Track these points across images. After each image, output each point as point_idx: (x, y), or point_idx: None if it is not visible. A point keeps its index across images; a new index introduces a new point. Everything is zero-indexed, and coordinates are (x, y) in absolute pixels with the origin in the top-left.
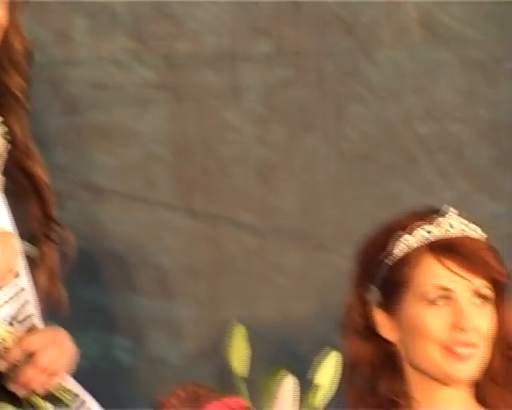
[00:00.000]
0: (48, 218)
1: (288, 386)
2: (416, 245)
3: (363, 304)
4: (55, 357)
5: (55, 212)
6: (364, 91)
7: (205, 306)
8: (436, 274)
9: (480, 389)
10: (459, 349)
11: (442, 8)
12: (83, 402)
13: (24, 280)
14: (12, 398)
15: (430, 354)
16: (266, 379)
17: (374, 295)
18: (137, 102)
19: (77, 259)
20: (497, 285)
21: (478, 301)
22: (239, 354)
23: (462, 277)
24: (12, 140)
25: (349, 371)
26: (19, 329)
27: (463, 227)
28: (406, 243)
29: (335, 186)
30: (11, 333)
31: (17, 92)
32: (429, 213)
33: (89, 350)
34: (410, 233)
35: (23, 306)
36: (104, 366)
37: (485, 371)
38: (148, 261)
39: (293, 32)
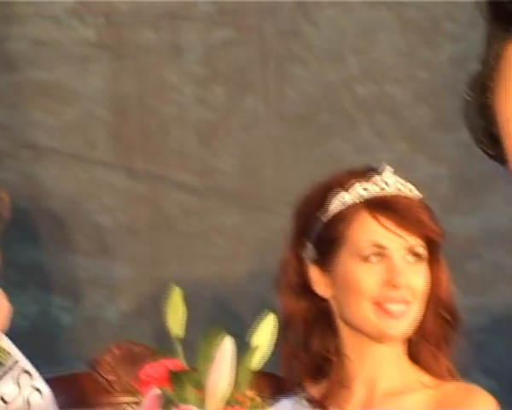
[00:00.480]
0: None
1: (226, 347)
2: (351, 202)
3: (299, 261)
4: None
5: None
6: (304, 52)
7: (143, 265)
8: (371, 231)
9: (413, 347)
10: (392, 307)
11: None
12: (16, 362)
13: None
14: None
15: (363, 311)
16: (204, 340)
17: (309, 251)
18: (77, 60)
19: (16, 218)
20: (431, 244)
21: (412, 259)
22: (175, 316)
23: (396, 234)
24: None
25: (283, 327)
26: None
27: (399, 185)
28: (342, 199)
29: (275, 147)
30: None
31: None
32: (366, 172)
33: (27, 309)
34: (346, 190)
35: None
36: (43, 325)
37: (417, 329)
38: (87, 220)
39: None
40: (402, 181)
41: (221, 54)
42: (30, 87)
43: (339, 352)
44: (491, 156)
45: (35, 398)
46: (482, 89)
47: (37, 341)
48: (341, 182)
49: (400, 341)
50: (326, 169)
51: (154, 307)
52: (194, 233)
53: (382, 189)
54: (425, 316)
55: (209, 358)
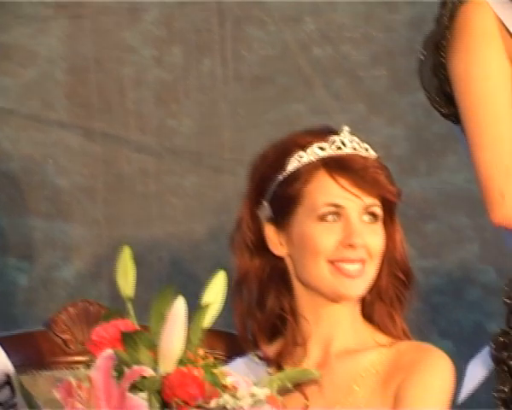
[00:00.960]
0: None
1: (178, 307)
2: (308, 161)
3: (254, 219)
4: None
5: None
6: (261, 14)
7: (100, 226)
8: (327, 191)
9: (368, 307)
10: (348, 266)
11: None
12: None
13: None
14: None
15: (318, 270)
16: (156, 300)
17: (265, 210)
18: (34, 21)
19: None
20: (387, 205)
21: (368, 218)
22: (125, 276)
23: (353, 194)
24: None
25: (238, 286)
26: None
27: (355, 145)
28: (299, 158)
29: (232, 108)
30: None
31: None
32: (323, 132)
33: None
34: (303, 150)
35: None
36: None
37: (372, 289)
38: (44, 182)
39: None
40: (358, 140)
41: (178, 14)
42: None
43: (294, 311)
44: (444, 115)
45: None
46: (436, 48)
47: None
48: (299, 141)
49: (356, 300)
50: (283, 130)
51: (110, 268)
52: (151, 194)
53: (339, 148)
54: (380, 276)
55: (162, 318)
